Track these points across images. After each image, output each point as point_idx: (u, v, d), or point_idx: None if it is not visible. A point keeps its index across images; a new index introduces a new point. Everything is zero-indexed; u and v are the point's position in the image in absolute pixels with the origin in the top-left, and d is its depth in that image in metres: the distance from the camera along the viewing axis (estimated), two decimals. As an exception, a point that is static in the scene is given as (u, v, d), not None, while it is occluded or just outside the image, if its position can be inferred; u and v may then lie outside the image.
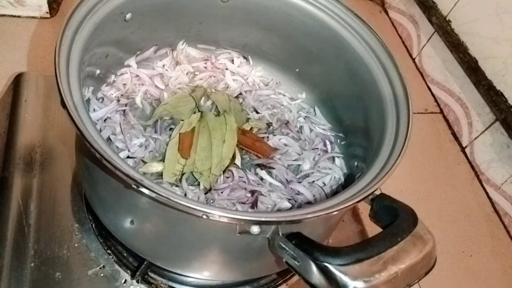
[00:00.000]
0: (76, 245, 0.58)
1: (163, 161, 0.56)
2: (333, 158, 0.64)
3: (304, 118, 0.68)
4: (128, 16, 0.55)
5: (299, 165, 0.62)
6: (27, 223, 0.58)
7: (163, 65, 0.67)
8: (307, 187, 0.59)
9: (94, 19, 0.49)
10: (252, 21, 0.64)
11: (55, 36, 0.44)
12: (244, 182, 0.57)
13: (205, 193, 0.55)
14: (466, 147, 0.94)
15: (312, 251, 0.38)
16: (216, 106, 0.63)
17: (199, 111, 0.63)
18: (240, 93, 0.68)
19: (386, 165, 0.45)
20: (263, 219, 0.39)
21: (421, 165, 0.90)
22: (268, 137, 0.64)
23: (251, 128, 0.64)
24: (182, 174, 0.56)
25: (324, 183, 0.60)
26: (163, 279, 0.58)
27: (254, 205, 0.56)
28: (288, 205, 0.56)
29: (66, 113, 0.40)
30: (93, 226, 0.60)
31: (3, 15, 0.96)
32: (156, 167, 0.56)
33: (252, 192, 0.57)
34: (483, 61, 0.89)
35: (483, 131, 0.90)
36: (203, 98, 0.65)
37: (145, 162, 0.56)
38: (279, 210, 0.55)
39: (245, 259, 0.49)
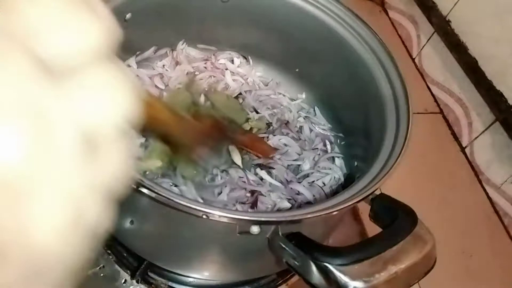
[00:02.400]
0: (76, 245, 0.58)
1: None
2: (333, 158, 0.64)
3: (304, 118, 0.68)
4: (128, 16, 0.55)
5: (299, 165, 0.62)
6: (27, 223, 0.58)
7: (163, 65, 0.67)
8: (307, 187, 0.59)
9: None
10: (252, 21, 0.64)
11: (55, 36, 0.44)
12: (244, 182, 0.57)
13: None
14: (466, 147, 0.94)
15: (312, 251, 0.38)
16: (214, 107, 0.63)
17: (195, 106, 0.62)
18: (240, 93, 0.68)
19: (386, 165, 0.45)
20: (263, 219, 0.39)
21: (421, 165, 0.90)
22: (268, 137, 0.64)
23: (251, 128, 0.64)
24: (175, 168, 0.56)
25: (324, 183, 0.60)
26: (163, 279, 0.58)
27: (254, 205, 0.56)
28: (288, 205, 0.56)
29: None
30: (93, 226, 0.60)
31: None
32: (152, 164, 0.56)
33: (252, 192, 0.56)
34: (483, 61, 0.89)
35: (483, 131, 0.90)
36: (203, 97, 0.65)
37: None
38: (279, 210, 0.55)
39: (245, 259, 0.49)
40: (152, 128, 0.41)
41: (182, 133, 0.46)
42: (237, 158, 0.60)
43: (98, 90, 0.15)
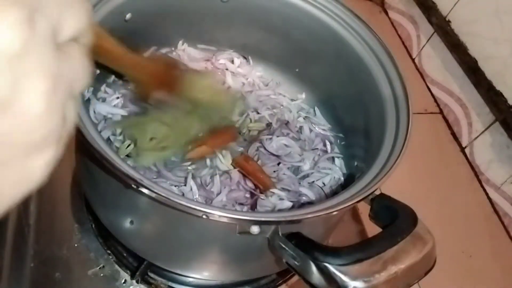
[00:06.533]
0: (76, 245, 0.58)
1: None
2: (333, 158, 0.64)
3: (304, 118, 0.68)
4: (128, 16, 0.55)
5: (299, 165, 0.62)
6: (27, 223, 0.58)
7: (163, 65, 0.67)
8: (307, 187, 0.59)
9: (94, 19, 0.49)
10: (252, 21, 0.64)
11: (55, 36, 0.44)
12: (244, 186, 0.57)
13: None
14: (465, 147, 0.94)
15: (312, 251, 0.38)
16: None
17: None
18: (241, 94, 0.68)
19: (386, 165, 0.45)
20: (263, 219, 0.39)
21: (421, 166, 0.90)
22: (271, 138, 0.62)
23: (250, 131, 0.63)
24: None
25: (324, 183, 0.60)
26: (163, 279, 0.58)
27: (253, 207, 0.56)
28: (289, 204, 0.56)
29: (66, 113, 0.40)
30: (93, 226, 0.60)
31: (3, 15, 0.96)
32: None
33: (252, 194, 0.56)
34: (483, 62, 0.89)
35: (483, 132, 0.90)
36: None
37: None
38: (279, 210, 0.55)
39: (245, 259, 0.49)
40: (99, 58, 0.42)
41: (134, 69, 0.48)
42: (226, 164, 0.58)
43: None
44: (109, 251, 0.58)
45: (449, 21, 0.97)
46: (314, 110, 0.69)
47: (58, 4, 0.18)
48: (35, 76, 0.17)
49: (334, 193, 0.59)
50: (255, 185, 0.57)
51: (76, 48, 0.20)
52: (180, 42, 0.68)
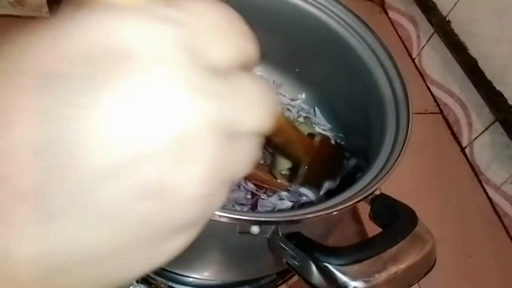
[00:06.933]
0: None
1: None
2: (333, 158, 0.64)
3: (304, 118, 0.68)
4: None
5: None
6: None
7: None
8: (307, 187, 0.59)
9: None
10: (251, 21, 0.64)
11: (55, 36, 0.44)
12: (244, 186, 0.57)
13: None
14: (465, 147, 0.94)
15: (312, 251, 0.38)
16: None
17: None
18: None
19: (386, 165, 0.45)
20: (263, 219, 0.39)
21: (421, 165, 0.90)
22: None
23: None
24: None
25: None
26: (163, 279, 0.58)
27: (253, 207, 0.55)
28: (289, 204, 0.56)
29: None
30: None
31: (2, 15, 0.96)
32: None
33: (253, 195, 0.56)
34: (482, 62, 0.89)
35: (483, 132, 0.90)
36: None
37: None
38: (279, 210, 0.55)
39: (245, 259, 0.49)
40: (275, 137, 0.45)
41: (298, 146, 0.50)
42: None
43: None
44: (109, 251, 0.58)
45: (449, 21, 0.97)
46: (314, 110, 0.69)
47: (249, 101, 0.17)
48: (197, 162, 0.15)
49: (334, 193, 0.59)
50: (257, 185, 0.57)
51: (249, 143, 0.18)
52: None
